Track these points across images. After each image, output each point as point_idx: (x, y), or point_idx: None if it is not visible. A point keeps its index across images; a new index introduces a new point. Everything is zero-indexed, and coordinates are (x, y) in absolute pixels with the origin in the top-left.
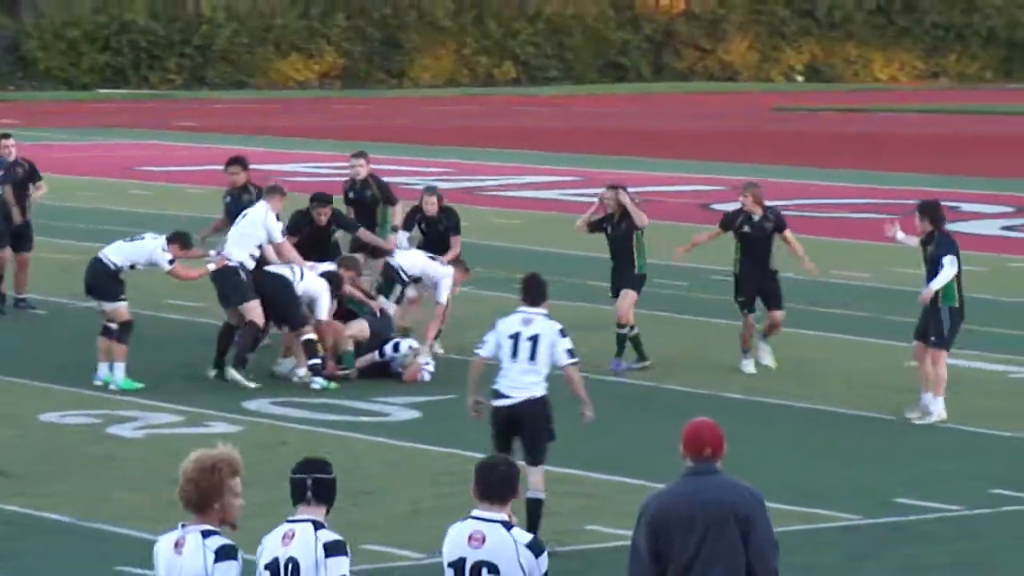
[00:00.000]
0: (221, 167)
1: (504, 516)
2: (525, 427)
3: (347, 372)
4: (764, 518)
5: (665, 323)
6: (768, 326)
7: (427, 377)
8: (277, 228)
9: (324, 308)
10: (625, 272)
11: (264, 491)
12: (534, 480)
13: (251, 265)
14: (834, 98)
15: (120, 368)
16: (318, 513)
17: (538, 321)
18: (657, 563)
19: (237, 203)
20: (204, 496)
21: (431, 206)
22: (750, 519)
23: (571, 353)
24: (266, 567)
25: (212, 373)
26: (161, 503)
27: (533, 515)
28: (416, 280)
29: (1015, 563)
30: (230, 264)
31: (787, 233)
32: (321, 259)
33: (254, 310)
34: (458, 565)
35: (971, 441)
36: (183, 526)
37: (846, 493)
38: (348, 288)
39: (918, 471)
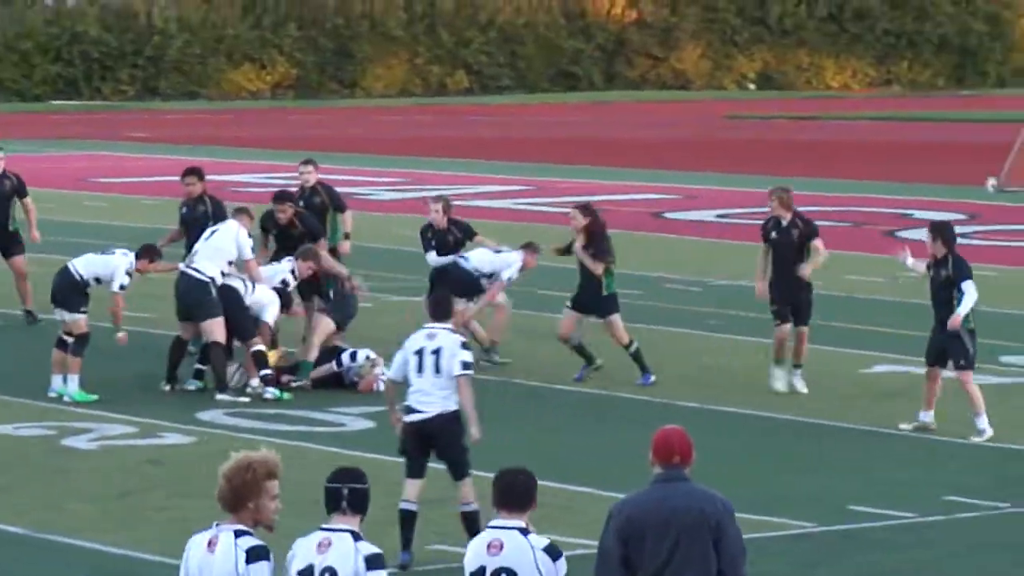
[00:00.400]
0: (174, 178)
1: (522, 523)
2: (439, 443)
3: (301, 383)
4: (734, 526)
5: None
6: (796, 348)
7: (382, 387)
8: (248, 245)
9: (271, 317)
10: (594, 295)
11: (215, 502)
12: (464, 493)
13: (220, 281)
14: (786, 106)
15: (74, 380)
16: (353, 523)
17: (441, 335)
18: (627, 569)
19: (192, 213)
20: (237, 495)
21: (436, 214)
22: (721, 526)
23: (466, 365)
24: (299, 573)
25: (166, 387)
26: (115, 514)
27: (472, 527)
28: (490, 276)
29: (968, 570)
30: (201, 278)
31: (815, 242)
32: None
33: (217, 328)
34: (479, 574)
35: (925, 448)
36: (217, 525)
37: (800, 500)
38: (321, 264)
39: (872, 478)
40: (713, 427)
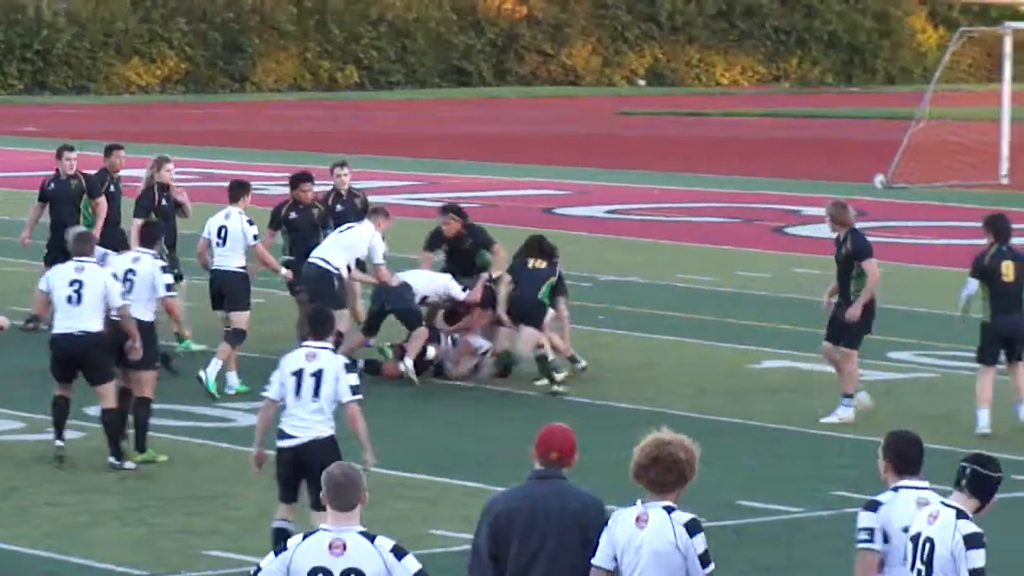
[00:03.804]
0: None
1: (925, 483)
2: (311, 470)
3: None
4: (604, 526)
5: None
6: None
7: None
8: (380, 249)
9: (457, 292)
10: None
11: (102, 497)
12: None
13: (346, 274)
14: (676, 102)
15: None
16: (966, 504)
17: (322, 355)
18: (496, 565)
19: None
20: (684, 479)
21: (449, 226)
22: (591, 527)
23: (355, 390)
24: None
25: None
26: (1, 510)
27: None
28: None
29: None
30: (331, 269)
31: (865, 263)
32: (464, 274)
33: (342, 319)
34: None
35: (813, 443)
36: (642, 502)
37: (688, 496)
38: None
39: (760, 473)
40: (602, 421)
